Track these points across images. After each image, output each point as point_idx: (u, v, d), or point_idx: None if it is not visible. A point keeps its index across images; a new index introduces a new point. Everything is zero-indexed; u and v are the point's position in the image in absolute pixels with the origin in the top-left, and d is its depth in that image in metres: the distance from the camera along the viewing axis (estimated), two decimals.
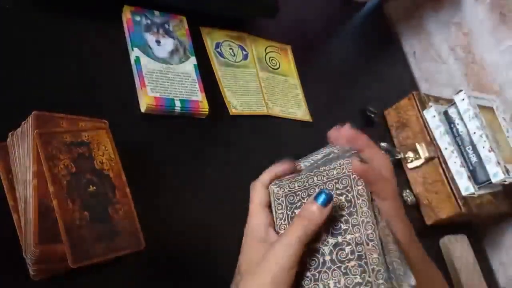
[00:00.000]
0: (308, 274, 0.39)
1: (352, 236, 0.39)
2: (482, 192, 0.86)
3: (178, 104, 0.65)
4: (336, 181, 0.41)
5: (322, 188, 0.41)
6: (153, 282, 0.55)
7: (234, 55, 0.79)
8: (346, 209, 0.40)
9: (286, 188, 0.43)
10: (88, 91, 0.60)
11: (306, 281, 0.39)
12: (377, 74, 1.04)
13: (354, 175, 0.40)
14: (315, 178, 0.42)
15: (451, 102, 0.90)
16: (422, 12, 1.16)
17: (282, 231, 0.42)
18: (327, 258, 0.39)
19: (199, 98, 0.68)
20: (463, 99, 0.87)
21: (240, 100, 0.75)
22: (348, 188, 0.40)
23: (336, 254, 0.39)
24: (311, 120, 0.84)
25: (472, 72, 1.07)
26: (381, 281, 0.36)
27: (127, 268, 0.52)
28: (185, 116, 0.67)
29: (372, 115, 0.93)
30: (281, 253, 0.37)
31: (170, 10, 0.72)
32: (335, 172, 0.41)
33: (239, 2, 0.77)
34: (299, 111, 0.83)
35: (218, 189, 0.66)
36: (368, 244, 0.38)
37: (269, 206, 0.43)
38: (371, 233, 0.38)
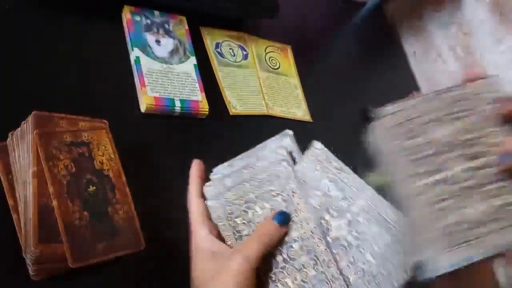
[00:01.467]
0: (266, 278, 0.39)
1: (298, 233, 0.39)
2: None
3: (178, 104, 0.65)
4: (269, 183, 0.41)
5: (258, 194, 0.41)
6: (153, 282, 0.55)
7: (234, 55, 0.79)
8: (286, 210, 0.40)
9: (222, 199, 0.42)
10: (88, 91, 0.60)
11: (266, 285, 0.38)
12: (377, 74, 1.03)
13: (284, 174, 0.40)
14: (247, 185, 0.42)
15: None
16: (422, 12, 1.16)
17: (230, 242, 0.41)
18: (279, 258, 0.39)
19: (199, 98, 0.68)
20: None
21: (240, 100, 0.75)
22: (281, 188, 0.41)
23: (287, 252, 0.39)
24: (311, 120, 0.84)
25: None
26: (333, 269, 0.38)
27: (127, 268, 0.52)
28: (185, 116, 0.67)
29: (372, 115, 0.92)
30: (238, 268, 0.37)
31: (170, 10, 0.72)
32: (265, 175, 0.42)
33: (239, 2, 0.77)
34: (299, 111, 0.83)
35: None
36: (313, 238, 0.39)
37: (209, 217, 0.43)
38: (314, 227, 0.39)
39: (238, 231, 0.41)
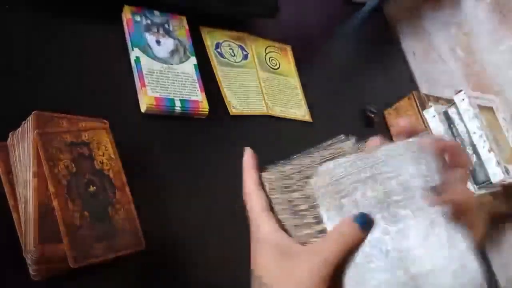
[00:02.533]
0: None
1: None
2: (482, 192, 0.86)
3: (178, 104, 0.65)
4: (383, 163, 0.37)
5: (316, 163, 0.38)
6: (153, 282, 0.55)
7: (234, 55, 0.79)
8: (401, 194, 0.37)
9: (280, 171, 0.39)
10: (88, 91, 0.60)
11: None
12: (377, 74, 1.04)
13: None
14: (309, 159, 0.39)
15: (451, 102, 0.90)
16: (422, 12, 1.16)
17: (285, 216, 0.38)
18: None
19: (199, 98, 0.68)
20: (463, 99, 0.87)
21: (240, 100, 0.75)
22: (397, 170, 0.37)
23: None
24: (311, 120, 0.84)
25: (472, 72, 1.07)
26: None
27: (127, 268, 0.52)
28: (185, 116, 0.67)
29: (372, 115, 0.93)
30: (316, 271, 0.33)
31: (170, 10, 0.72)
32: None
33: (239, 2, 0.77)
34: (299, 111, 0.83)
35: (218, 189, 0.66)
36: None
37: (272, 210, 0.39)
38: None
39: (294, 206, 0.38)
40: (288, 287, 0.34)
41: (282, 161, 0.40)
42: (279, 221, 0.38)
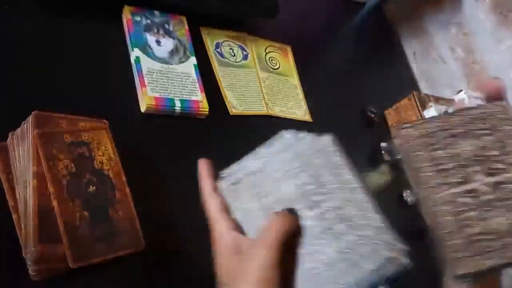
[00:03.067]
0: (303, 251, 0.38)
1: (332, 203, 0.39)
2: None
3: (178, 104, 0.65)
4: (293, 161, 0.42)
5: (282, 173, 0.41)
6: (153, 282, 0.55)
7: (234, 55, 0.79)
8: (313, 185, 0.40)
9: (425, 128, 0.40)
10: (88, 91, 0.60)
11: (303, 258, 0.38)
12: (377, 74, 1.03)
13: None
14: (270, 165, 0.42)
15: (451, 102, 0.90)
16: (422, 12, 1.16)
17: (429, 173, 0.39)
18: (316, 230, 0.39)
19: (199, 98, 0.68)
20: (463, 99, 0.87)
21: (240, 100, 0.75)
22: (306, 165, 0.42)
23: (322, 224, 0.39)
24: (311, 120, 0.84)
25: (472, 72, 1.07)
26: (370, 232, 0.38)
27: (127, 268, 0.52)
28: (185, 116, 0.67)
29: (372, 115, 0.93)
30: (263, 258, 0.36)
31: (170, 10, 0.72)
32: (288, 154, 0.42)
33: (239, 2, 0.77)
34: (299, 111, 0.83)
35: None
36: (349, 206, 0.39)
37: (228, 212, 0.42)
38: (347, 195, 0.40)
39: (439, 164, 0.40)
40: (242, 283, 0.36)
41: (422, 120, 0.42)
42: (234, 222, 0.41)
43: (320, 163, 0.41)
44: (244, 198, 0.42)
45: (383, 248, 0.37)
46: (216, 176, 0.44)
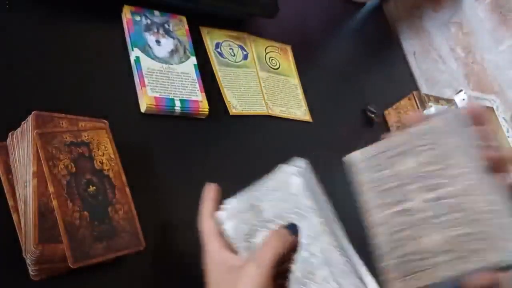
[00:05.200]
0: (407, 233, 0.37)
1: (317, 247, 0.40)
2: None
3: (178, 104, 0.65)
4: (283, 202, 0.42)
5: (274, 213, 0.42)
6: (153, 282, 0.55)
7: (234, 55, 0.79)
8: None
9: (236, 220, 0.43)
10: (88, 91, 0.60)
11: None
12: (377, 74, 1.04)
13: None
14: (261, 204, 0.43)
15: (451, 102, 0.90)
16: (422, 12, 1.16)
17: (372, 195, 0.40)
18: (298, 274, 0.39)
19: (199, 98, 0.68)
20: (463, 99, 0.87)
21: (240, 100, 0.75)
22: (296, 205, 0.41)
23: (307, 267, 0.40)
24: (311, 120, 0.84)
25: (472, 72, 1.07)
26: (353, 279, 0.38)
27: (127, 268, 0.52)
28: (185, 116, 0.67)
29: (372, 115, 0.93)
30: (254, 277, 0.37)
31: (170, 10, 0.72)
32: (278, 194, 0.43)
33: (239, 2, 0.77)
34: (299, 111, 0.83)
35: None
36: (333, 251, 0.39)
37: (221, 234, 0.43)
38: (333, 240, 0.40)
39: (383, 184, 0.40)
40: None
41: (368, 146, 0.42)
42: (226, 241, 0.42)
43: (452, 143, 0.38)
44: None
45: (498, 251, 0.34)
46: (220, 202, 0.45)
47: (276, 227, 0.41)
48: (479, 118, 0.37)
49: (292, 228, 0.40)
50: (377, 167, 0.39)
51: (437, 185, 0.37)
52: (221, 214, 0.44)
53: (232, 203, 0.44)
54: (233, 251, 0.42)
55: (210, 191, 0.46)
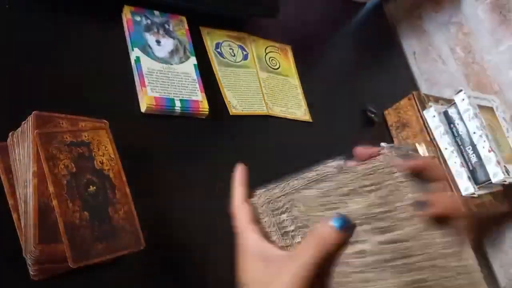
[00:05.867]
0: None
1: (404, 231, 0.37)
2: (482, 192, 0.86)
3: (178, 104, 0.65)
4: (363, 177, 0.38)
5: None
6: (153, 282, 0.55)
7: (234, 55, 0.79)
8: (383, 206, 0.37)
9: (267, 195, 0.41)
10: (88, 91, 0.60)
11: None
12: (377, 74, 1.04)
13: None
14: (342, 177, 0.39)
15: (451, 102, 0.90)
16: (422, 12, 1.16)
17: (275, 238, 0.39)
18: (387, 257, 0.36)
19: (199, 98, 0.68)
20: (463, 99, 0.87)
21: (240, 100, 0.75)
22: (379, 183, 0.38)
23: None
24: (311, 120, 0.84)
25: (472, 72, 1.07)
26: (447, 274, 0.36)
27: (127, 268, 0.52)
28: (185, 116, 0.67)
29: (372, 115, 0.93)
30: (295, 276, 0.34)
31: (170, 10, 0.72)
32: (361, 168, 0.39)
33: (239, 2, 0.77)
34: (299, 111, 0.83)
35: (218, 188, 0.66)
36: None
37: (258, 221, 0.41)
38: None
39: (283, 227, 0.40)
40: None
41: (272, 184, 0.42)
42: (264, 232, 0.40)
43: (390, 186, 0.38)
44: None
45: None
46: (249, 185, 0.43)
47: (323, 221, 0.37)
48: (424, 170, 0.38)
49: (341, 221, 0.36)
50: (328, 205, 0.37)
51: (388, 227, 0.36)
52: (257, 200, 0.41)
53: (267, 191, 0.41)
54: (270, 241, 0.39)
55: (239, 174, 0.43)
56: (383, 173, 0.38)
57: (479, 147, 0.84)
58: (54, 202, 0.44)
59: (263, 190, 0.41)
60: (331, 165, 0.39)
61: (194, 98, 0.67)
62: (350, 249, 0.36)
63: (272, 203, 0.40)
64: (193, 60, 0.71)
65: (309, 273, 0.34)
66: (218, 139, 0.70)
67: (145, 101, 0.62)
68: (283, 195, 0.40)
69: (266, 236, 0.39)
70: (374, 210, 0.36)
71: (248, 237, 0.39)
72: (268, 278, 0.36)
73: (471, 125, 0.85)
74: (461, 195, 0.85)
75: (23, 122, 0.48)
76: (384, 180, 0.37)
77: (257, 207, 0.41)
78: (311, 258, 0.35)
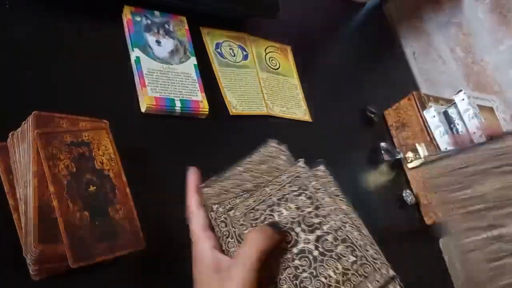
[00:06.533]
0: (306, 274, 0.39)
1: (328, 225, 0.40)
2: None
3: (178, 104, 0.65)
4: (289, 184, 0.43)
5: (273, 196, 0.43)
6: (153, 282, 0.55)
7: (234, 55, 0.79)
8: (311, 206, 0.42)
9: (228, 205, 0.43)
10: (88, 91, 0.60)
11: (306, 282, 0.39)
12: (377, 74, 1.04)
13: (308, 173, 0.43)
14: (267, 189, 0.43)
15: (451, 102, 0.90)
16: (422, 12, 1.16)
17: (232, 249, 0.41)
18: (316, 253, 0.40)
19: (199, 98, 0.68)
20: (463, 99, 0.87)
21: (240, 100, 0.75)
22: (303, 187, 0.43)
23: (322, 245, 0.40)
24: (311, 120, 0.84)
25: (472, 72, 1.07)
26: (370, 251, 0.39)
27: (127, 268, 0.52)
28: (185, 116, 0.67)
29: (372, 115, 0.93)
30: (240, 276, 0.37)
31: (170, 10, 0.72)
32: (284, 177, 0.44)
33: (239, 2, 0.77)
34: (299, 111, 0.83)
35: None
36: (345, 227, 0.40)
37: (212, 229, 0.43)
38: (343, 216, 0.41)
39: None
40: None
41: (221, 175, 0.45)
42: (216, 240, 0.42)
43: (316, 186, 0.43)
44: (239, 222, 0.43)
45: (384, 267, 0.38)
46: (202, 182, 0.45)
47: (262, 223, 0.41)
48: None
49: (274, 227, 0.40)
50: (457, 185, 0.38)
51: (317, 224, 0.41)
52: (214, 209, 0.44)
53: (215, 181, 0.45)
54: (222, 249, 0.42)
55: (192, 179, 0.45)
56: (305, 178, 0.43)
57: None
58: (54, 202, 0.44)
59: (216, 180, 0.44)
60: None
61: (194, 98, 0.67)
62: (489, 234, 0.36)
63: (253, 212, 0.43)
64: (193, 60, 0.71)
65: (251, 274, 0.37)
66: (218, 139, 0.70)
67: (145, 101, 0.62)
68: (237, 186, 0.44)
69: (219, 242, 0.42)
70: (510, 193, 0.37)
71: (200, 245, 0.42)
72: (219, 284, 0.38)
73: (471, 125, 0.85)
74: None
75: (23, 122, 0.48)
76: (307, 182, 0.43)
77: (218, 216, 0.43)
78: (250, 260, 0.38)
